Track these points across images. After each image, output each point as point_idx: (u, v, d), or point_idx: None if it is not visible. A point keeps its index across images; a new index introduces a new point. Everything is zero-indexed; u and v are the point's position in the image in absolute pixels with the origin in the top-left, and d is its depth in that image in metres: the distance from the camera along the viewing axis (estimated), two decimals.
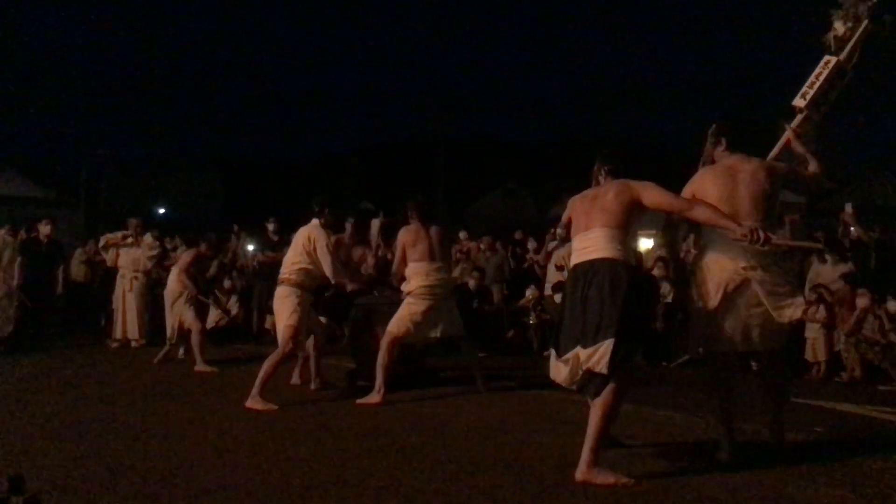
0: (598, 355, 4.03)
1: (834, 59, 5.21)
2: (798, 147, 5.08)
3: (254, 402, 6.17)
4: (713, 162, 4.83)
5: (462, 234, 13.71)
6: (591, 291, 4.15)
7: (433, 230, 6.86)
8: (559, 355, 4.26)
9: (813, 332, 8.98)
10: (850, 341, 8.69)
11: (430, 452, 4.69)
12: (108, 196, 41.82)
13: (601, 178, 4.56)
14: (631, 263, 4.31)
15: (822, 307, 8.93)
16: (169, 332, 9.11)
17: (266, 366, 6.36)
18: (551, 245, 11.38)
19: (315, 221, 6.76)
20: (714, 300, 4.50)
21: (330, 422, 5.67)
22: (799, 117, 5.21)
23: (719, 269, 4.50)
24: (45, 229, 11.15)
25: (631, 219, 4.33)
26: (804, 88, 5.21)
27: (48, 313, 11.80)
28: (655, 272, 10.31)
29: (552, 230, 11.32)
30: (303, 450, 4.77)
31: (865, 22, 5.14)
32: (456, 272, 11.84)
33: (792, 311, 4.48)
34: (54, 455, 4.57)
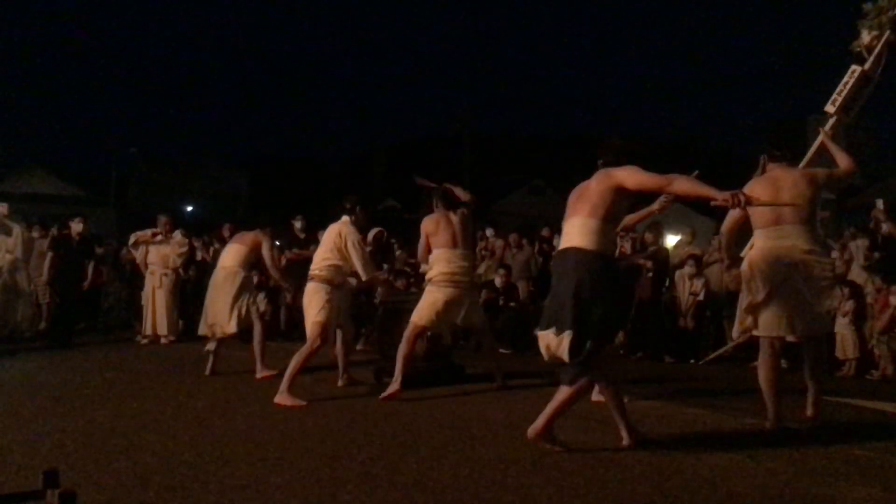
0: (561, 344, 4.29)
1: (859, 69, 5.80)
2: (832, 147, 5.65)
3: (282, 398, 6.21)
4: (764, 170, 5.49)
5: (489, 231, 13.68)
6: (562, 280, 4.38)
7: (455, 217, 6.84)
8: (540, 329, 4.50)
9: (842, 329, 8.88)
10: (882, 339, 8.58)
11: (458, 449, 4.69)
12: (138, 194, 42.26)
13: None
14: (605, 253, 4.42)
15: (850, 302, 8.83)
16: (230, 324, 7.99)
17: (294, 362, 6.39)
18: None
19: (345, 218, 6.79)
20: (762, 293, 5.11)
21: (358, 418, 5.69)
22: (831, 121, 5.78)
23: (768, 266, 5.12)
24: (77, 227, 11.28)
25: (611, 207, 4.43)
26: (833, 95, 5.86)
27: (79, 309, 11.94)
28: (687, 269, 10.24)
29: None
30: (331, 446, 4.79)
31: (888, 32, 5.73)
32: (482, 269, 11.83)
33: (830, 302, 5.10)
34: (87, 450, 4.63)
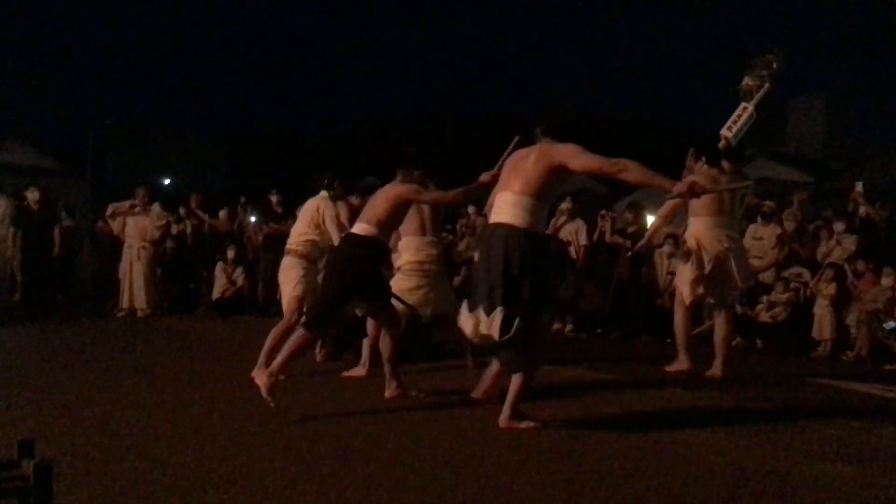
0: (493, 322, 4.24)
1: (750, 107, 6.91)
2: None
3: (259, 373, 6.16)
4: (692, 173, 6.64)
5: (471, 209, 13.63)
6: (491, 257, 4.31)
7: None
8: (470, 309, 4.41)
9: (821, 310, 8.95)
10: (862, 318, 8.62)
11: (436, 424, 4.70)
12: (114, 166, 41.81)
13: (538, 139, 4.60)
14: (536, 231, 4.36)
15: (833, 285, 8.89)
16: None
17: (271, 336, 6.34)
18: (561, 220, 11.33)
19: (324, 193, 6.72)
20: (707, 267, 6.55)
21: (335, 393, 5.68)
22: (722, 142, 6.95)
23: (711, 248, 6.56)
24: (33, 196, 11.15)
25: (547, 186, 4.37)
26: (729, 123, 6.94)
27: (52, 279, 11.86)
28: (665, 249, 10.26)
29: (561, 206, 11.28)
30: (310, 421, 4.78)
31: (767, 84, 6.90)
32: (462, 246, 11.81)
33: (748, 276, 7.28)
34: (63, 421, 4.59)
